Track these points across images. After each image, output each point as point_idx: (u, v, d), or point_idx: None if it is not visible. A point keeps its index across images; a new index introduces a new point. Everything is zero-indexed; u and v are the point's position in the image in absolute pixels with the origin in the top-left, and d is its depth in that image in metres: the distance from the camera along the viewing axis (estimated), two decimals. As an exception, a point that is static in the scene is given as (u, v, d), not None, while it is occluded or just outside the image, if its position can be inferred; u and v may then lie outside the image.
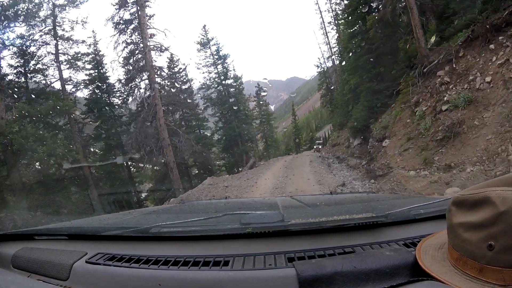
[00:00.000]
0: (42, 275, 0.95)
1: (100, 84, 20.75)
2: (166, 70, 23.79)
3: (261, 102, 37.67)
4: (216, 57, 28.83)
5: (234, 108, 28.67)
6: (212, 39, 28.95)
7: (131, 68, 20.49)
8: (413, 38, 11.86)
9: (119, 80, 20.85)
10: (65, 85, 18.72)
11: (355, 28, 16.71)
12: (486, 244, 0.61)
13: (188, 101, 26.87)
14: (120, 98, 21.64)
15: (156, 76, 20.90)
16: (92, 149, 20.81)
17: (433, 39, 10.40)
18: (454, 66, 9.06)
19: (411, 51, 12.47)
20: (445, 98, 8.77)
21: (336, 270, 0.73)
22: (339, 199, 1.98)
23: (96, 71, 20.61)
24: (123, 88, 21.07)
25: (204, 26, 28.91)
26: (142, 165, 21.37)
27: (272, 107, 56.76)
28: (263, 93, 37.53)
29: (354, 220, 0.99)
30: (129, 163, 20.28)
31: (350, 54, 18.07)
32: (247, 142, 29.94)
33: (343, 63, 22.56)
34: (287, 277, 0.76)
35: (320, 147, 33.03)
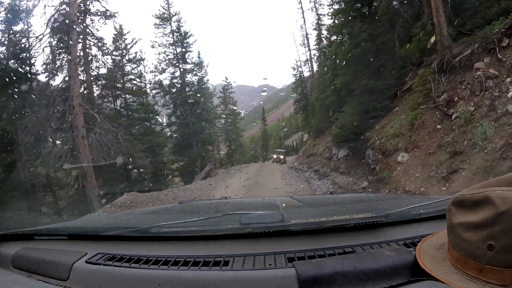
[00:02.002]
0: (42, 275, 0.96)
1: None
2: (109, 46, 19.36)
3: (227, 99, 33.16)
4: (176, 35, 23.98)
5: (190, 99, 23.41)
6: (175, 14, 24.00)
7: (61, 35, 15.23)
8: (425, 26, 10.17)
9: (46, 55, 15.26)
10: None
11: (357, 5, 13.65)
12: (486, 244, 0.62)
13: (132, 81, 21.75)
14: (42, 72, 15.79)
15: (93, 45, 16.98)
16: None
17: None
18: (499, 56, 7.41)
19: (422, 43, 10.78)
20: (510, 95, 6.65)
21: (336, 270, 0.73)
22: (339, 199, 1.99)
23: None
24: (46, 59, 15.56)
25: (167, -1, 23.71)
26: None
27: (242, 113, 55.42)
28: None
29: (354, 220, 0.99)
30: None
31: (343, 43, 15.49)
32: (205, 144, 25.13)
33: (328, 60, 20.03)
34: (287, 277, 0.76)
35: (282, 156, 27.01)
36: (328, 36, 23.63)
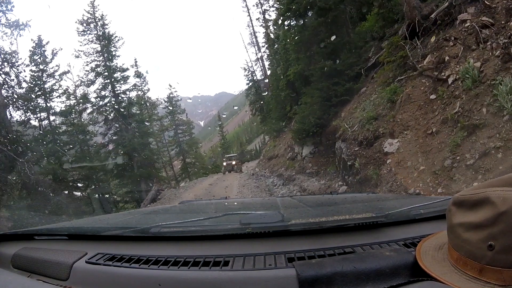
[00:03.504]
0: (42, 275, 0.94)
1: None
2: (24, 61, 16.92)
3: (174, 108, 29.55)
4: (103, 41, 21.17)
5: (123, 112, 20.33)
6: (102, 17, 21.33)
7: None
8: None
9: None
10: None
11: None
12: (486, 244, 0.61)
13: (55, 99, 19.23)
14: None
15: (5, 62, 15.03)
16: None
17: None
18: (486, 3, 6.35)
19: (385, 12, 9.54)
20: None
21: (336, 270, 0.72)
22: (339, 199, 1.97)
23: None
24: None
25: (93, 2, 21.18)
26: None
27: (201, 123, 53.75)
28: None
29: (354, 220, 0.98)
30: None
31: (291, 28, 13.81)
32: (148, 161, 21.76)
33: (277, 54, 19.16)
34: (287, 277, 0.74)
35: (234, 163, 23.77)
36: (275, 28, 22.50)
